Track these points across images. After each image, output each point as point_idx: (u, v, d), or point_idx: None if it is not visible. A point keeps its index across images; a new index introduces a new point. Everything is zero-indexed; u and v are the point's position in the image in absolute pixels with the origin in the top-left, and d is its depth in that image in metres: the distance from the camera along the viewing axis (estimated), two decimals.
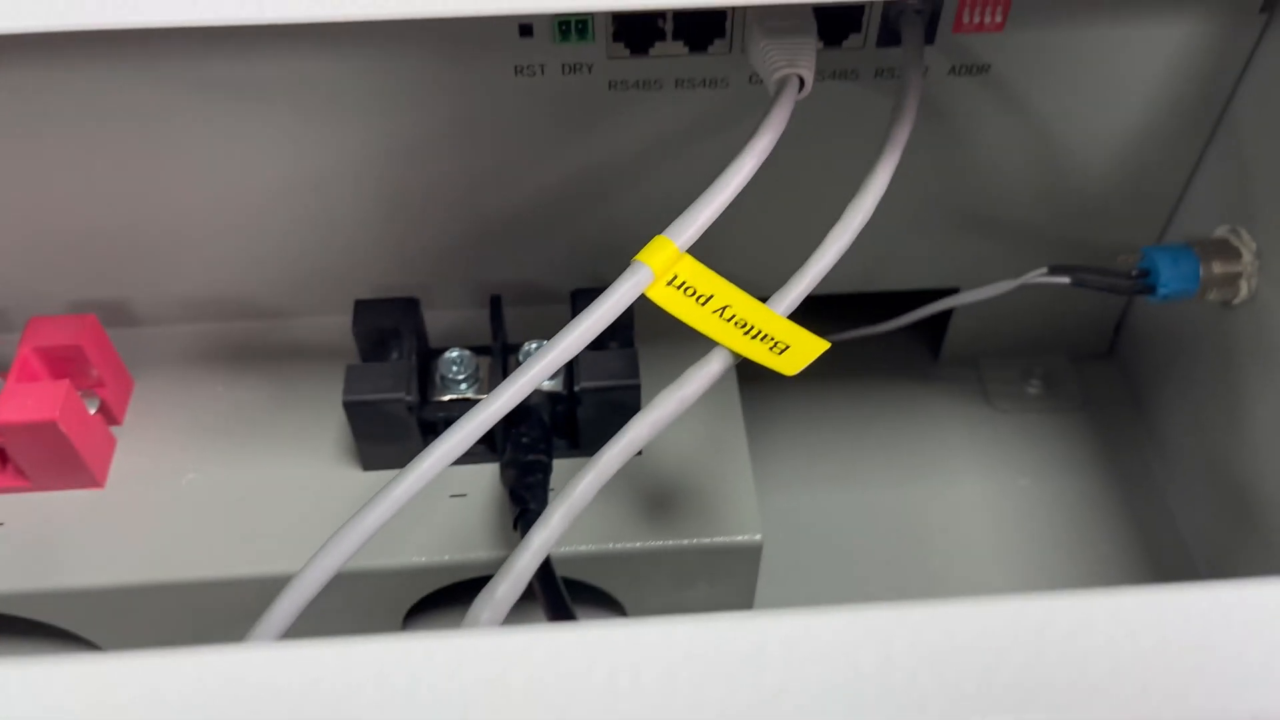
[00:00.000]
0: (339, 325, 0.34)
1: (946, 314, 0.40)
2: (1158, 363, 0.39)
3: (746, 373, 0.39)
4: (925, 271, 0.38)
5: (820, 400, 0.41)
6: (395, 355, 0.33)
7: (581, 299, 0.33)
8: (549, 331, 0.33)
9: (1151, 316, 0.39)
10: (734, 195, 0.25)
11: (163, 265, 0.35)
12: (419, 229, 0.34)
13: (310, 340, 0.36)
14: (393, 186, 0.33)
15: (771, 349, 0.24)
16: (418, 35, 0.29)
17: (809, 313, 0.39)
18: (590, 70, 0.30)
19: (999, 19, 0.30)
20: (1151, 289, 0.32)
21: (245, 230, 0.34)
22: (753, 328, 0.24)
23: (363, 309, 0.33)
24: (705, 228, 0.25)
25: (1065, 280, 0.33)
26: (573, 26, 0.29)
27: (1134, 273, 0.33)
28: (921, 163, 0.34)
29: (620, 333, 0.33)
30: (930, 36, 0.30)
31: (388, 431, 0.32)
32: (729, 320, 0.24)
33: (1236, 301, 0.33)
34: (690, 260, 0.25)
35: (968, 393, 0.41)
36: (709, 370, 0.24)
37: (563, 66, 0.30)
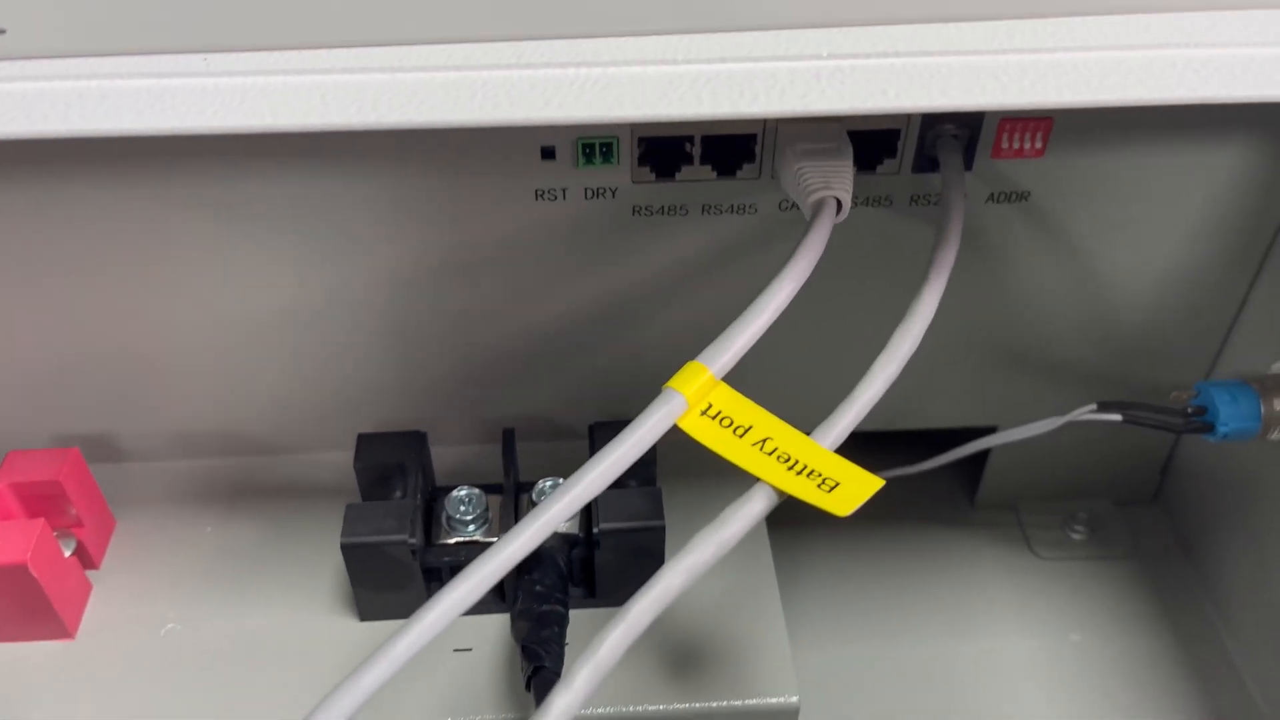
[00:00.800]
0: (340, 462, 0.32)
1: (983, 454, 0.38)
2: (1209, 507, 0.37)
3: (772, 514, 0.36)
4: (964, 409, 0.36)
5: (851, 545, 0.38)
6: (399, 494, 0.30)
7: (601, 433, 0.31)
8: (565, 469, 0.31)
9: (1200, 458, 0.37)
10: (772, 319, 0.24)
11: (153, 397, 0.32)
12: (427, 360, 0.32)
13: (309, 478, 0.34)
14: (400, 315, 0.31)
15: (820, 486, 0.21)
16: (433, 156, 0.28)
17: (843, 449, 0.37)
18: (614, 195, 0.29)
19: (1039, 145, 0.29)
20: (1209, 427, 0.30)
21: (242, 360, 0.32)
22: (797, 462, 0.22)
23: (365, 443, 0.31)
24: (742, 353, 0.23)
25: (1116, 418, 0.31)
26: (597, 149, 0.28)
27: (1189, 410, 0.31)
28: (960, 292, 0.32)
29: (642, 469, 0.30)
30: (968, 163, 0.29)
31: (389, 578, 0.29)
32: (770, 454, 0.22)
33: None
34: (726, 388, 0.23)
35: (1008, 538, 0.39)
36: (751, 510, 0.21)
37: (585, 191, 0.29)
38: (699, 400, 0.22)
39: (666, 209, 0.30)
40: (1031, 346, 0.34)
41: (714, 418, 0.22)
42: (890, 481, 0.36)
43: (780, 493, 0.22)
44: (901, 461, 0.35)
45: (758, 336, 0.23)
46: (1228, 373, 0.34)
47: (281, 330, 0.31)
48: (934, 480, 0.39)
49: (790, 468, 0.22)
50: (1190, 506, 0.38)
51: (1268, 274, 0.32)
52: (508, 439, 0.31)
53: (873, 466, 0.36)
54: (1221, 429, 0.30)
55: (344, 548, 0.28)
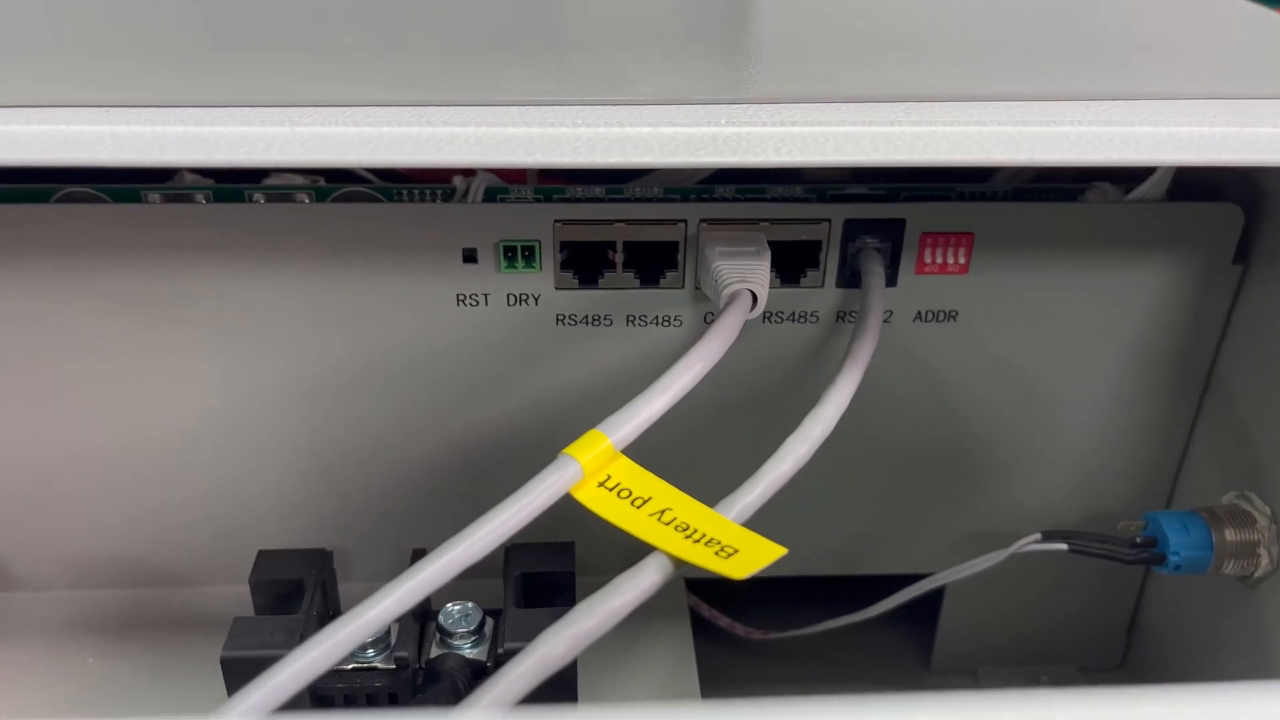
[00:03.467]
0: (242, 596, 0.30)
1: (937, 611, 0.36)
2: (1179, 668, 0.34)
3: (711, 674, 0.34)
4: (911, 554, 0.34)
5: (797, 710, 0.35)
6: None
7: (517, 555, 0.29)
8: (481, 595, 0.29)
9: (1167, 620, 0.35)
10: (677, 397, 0.23)
11: (48, 518, 0.31)
12: (341, 481, 0.31)
13: (208, 611, 0.32)
14: (313, 427, 0.30)
15: (717, 553, 0.20)
16: (353, 257, 0.28)
17: (790, 597, 0.35)
18: (537, 301, 0.29)
19: (962, 260, 0.29)
20: (1160, 558, 0.29)
21: (140, 477, 0.30)
22: (696, 531, 0.20)
23: (264, 559, 0.29)
24: (644, 427, 0.22)
25: (1061, 547, 0.29)
26: (519, 253, 0.28)
27: (1138, 540, 0.29)
28: (893, 422, 0.31)
29: (561, 593, 0.28)
30: (893, 279, 0.29)
31: None
32: (669, 524, 0.20)
33: (1259, 574, 0.29)
34: (626, 461, 0.22)
35: None
36: (643, 579, 0.20)
37: (508, 297, 0.29)
38: (597, 471, 0.21)
39: (590, 319, 0.29)
40: (978, 480, 0.33)
41: (612, 489, 0.21)
42: (842, 640, 0.35)
43: (677, 561, 0.20)
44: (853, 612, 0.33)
45: (661, 412, 0.22)
46: (1183, 507, 0.32)
47: (184, 445, 0.30)
48: (887, 640, 0.37)
49: (688, 536, 0.20)
50: (1159, 670, 0.35)
51: (1210, 401, 0.31)
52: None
53: (819, 617, 0.34)
54: (1173, 559, 0.28)
55: (224, 661, 0.26)
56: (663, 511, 0.21)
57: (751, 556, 0.20)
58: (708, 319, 0.29)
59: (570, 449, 0.21)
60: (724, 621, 0.36)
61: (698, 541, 0.20)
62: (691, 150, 0.21)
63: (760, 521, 0.33)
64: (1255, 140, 0.21)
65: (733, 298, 0.25)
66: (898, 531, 0.34)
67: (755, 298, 0.26)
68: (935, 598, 0.36)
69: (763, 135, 0.21)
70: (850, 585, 0.34)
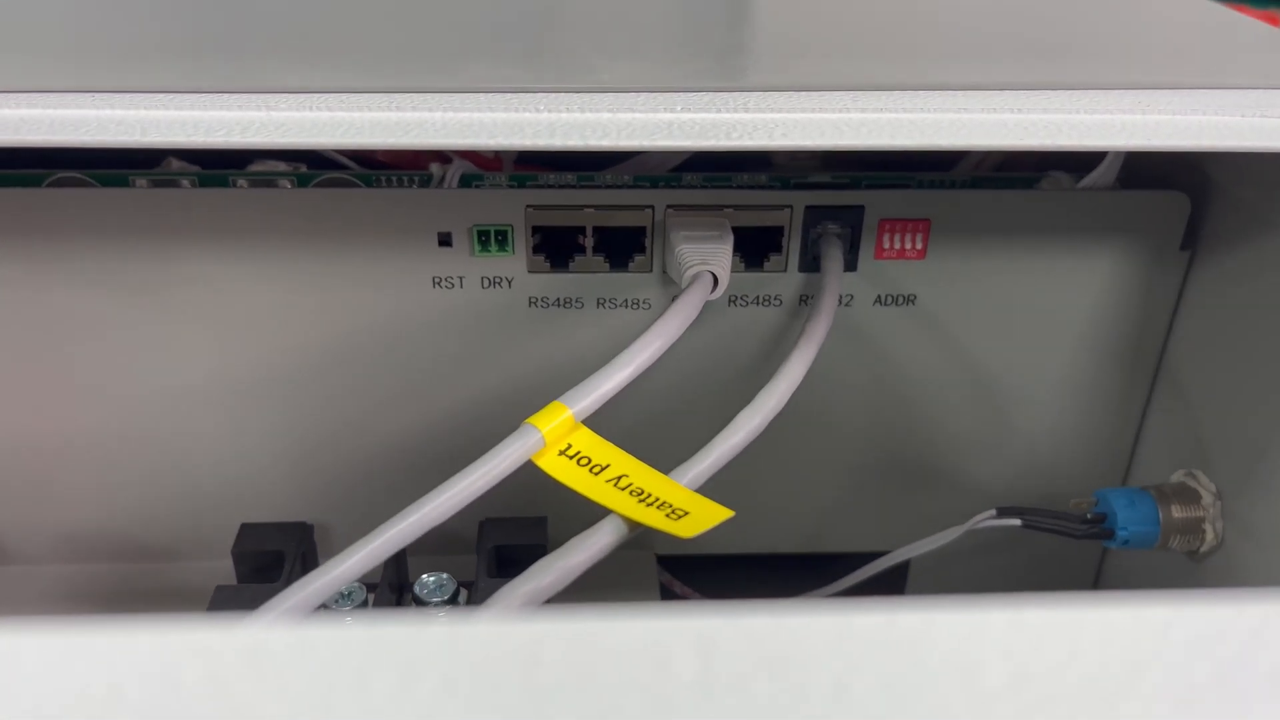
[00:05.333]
0: (228, 570, 0.31)
1: (903, 592, 0.37)
2: None
3: None
4: (874, 533, 0.35)
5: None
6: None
7: (490, 529, 0.30)
8: (455, 568, 0.30)
9: (1127, 589, 0.36)
10: (638, 372, 0.24)
11: (37, 492, 0.32)
12: (322, 458, 0.32)
13: (193, 584, 0.33)
14: (294, 406, 0.31)
15: (668, 515, 0.21)
16: (330, 241, 0.29)
17: (758, 574, 0.36)
18: (510, 285, 0.30)
19: (920, 246, 0.30)
20: (1109, 534, 0.30)
21: (127, 455, 0.31)
22: (649, 495, 0.21)
23: (246, 532, 0.30)
24: (603, 400, 0.23)
25: (1015, 523, 0.30)
26: (492, 237, 0.29)
27: (1089, 516, 0.30)
28: (854, 403, 0.33)
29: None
30: (853, 264, 0.30)
31: None
32: (624, 489, 0.22)
33: (1204, 549, 0.30)
34: (587, 432, 0.23)
35: None
36: (598, 539, 0.21)
37: (482, 280, 0.30)
38: (558, 440, 0.22)
39: (562, 301, 0.30)
40: (937, 461, 0.34)
41: (572, 457, 0.22)
42: None
43: (630, 524, 0.21)
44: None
45: (620, 386, 0.24)
46: (1137, 485, 0.34)
47: (171, 424, 0.31)
48: None
49: (642, 500, 0.21)
50: None
51: (1161, 385, 0.32)
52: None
53: (785, 594, 0.35)
54: (1121, 534, 0.30)
55: None
56: (619, 478, 0.22)
57: (700, 518, 0.21)
58: None
59: (533, 419, 0.22)
60: (694, 598, 0.37)
61: (650, 505, 0.21)
62: (648, 134, 0.22)
63: (728, 500, 0.34)
64: (1187, 127, 0.22)
65: (694, 279, 0.26)
66: (861, 511, 0.35)
67: (716, 279, 0.27)
68: (900, 577, 0.37)
69: (715, 121, 0.22)
70: (816, 563, 0.36)
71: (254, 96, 0.22)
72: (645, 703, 0.12)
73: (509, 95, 0.22)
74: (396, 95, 0.22)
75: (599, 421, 0.32)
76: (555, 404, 0.23)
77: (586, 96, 0.23)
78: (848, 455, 0.33)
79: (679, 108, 0.22)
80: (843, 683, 0.13)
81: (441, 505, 0.21)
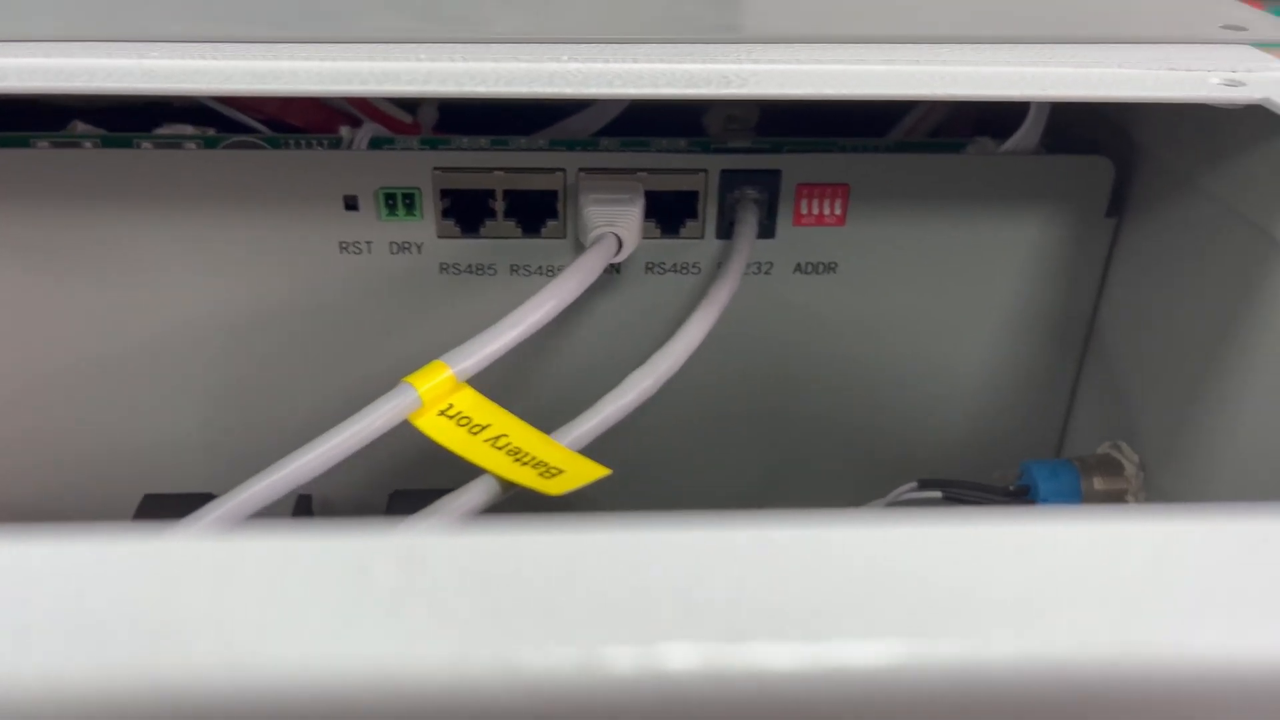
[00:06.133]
0: None
1: None
2: None
3: None
4: (795, 505, 0.34)
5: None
6: None
7: (399, 502, 0.30)
8: None
9: None
10: (528, 333, 0.23)
11: None
12: (229, 426, 0.31)
13: None
14: (200, 374, 0.30)
15: (541, 474, 0.20)
16: (237, 204, 0.28)
17: None
18: (420, 250, 0.29)
19: (839, 212, 0.29)
20: (1031, 505, 0.29)
21: (29, 421, 0.31)
22: (525, 454, 0.21)
23: (148, 504, 0.29)
24: (489, 360, 0.23)
25: (936, 495, 0.29)
26: (399, 201, 0.29)
27: (1012, 488, 0.30)
28: (779, 373, 0.32)
29: None
30: (771, 230, 0.29)
31: None
32: (502, 449, 0.21)
33: None
34: (471, 392, 0.22)
35: None
36: (467, 498, 0.20)
37: (391, 245, 0.29)
38: (438, 400, 0.22)
39: (474, 267, 0.30)
40: (865, 431, 0.33)
41: (452, 418, 0.21)
42: None
43: (503, 484, 0.20)
44: None
45: (508, 346, 0.23)
46: (1071, 456, 0.33)
47: (73, 390, 0.30)
48: None
49: (517, 459, 0.21)
50: None
51: (1092, 353, 0.32)
52: (302, 506, 0.30)
53: None
54: (1042, 506, 0.29)
55: None
56: (498, 438, 0.21)
57: (573, 476, 0.20)
58: None
59: (410, 377, 0.22)
60: None
61: (525, 464, 0.20)
62: (528, 82, 0.21)
63: (655, 473, 0.33)
64: (1088, 79, 0.22)
65: (596, 240, 0.26)
66: (788, 482, 0.34)
67: (620, 242, 0.26)
68: None
69: (598, 71, 0.21)
70: None
71: (127, 45, 0.22)
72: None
73: (391, 45, 0.22)
74: (274, 45, 0.22)
75: (517, 392, 0.32)
76: (435, 363, 0.22)
77: (473, 47, 0.22)
78: (771, 426, 0.33)
79: (565, 57, 0.22)
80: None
81: (300, 469, 0.20)
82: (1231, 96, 0.21)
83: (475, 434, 0.21)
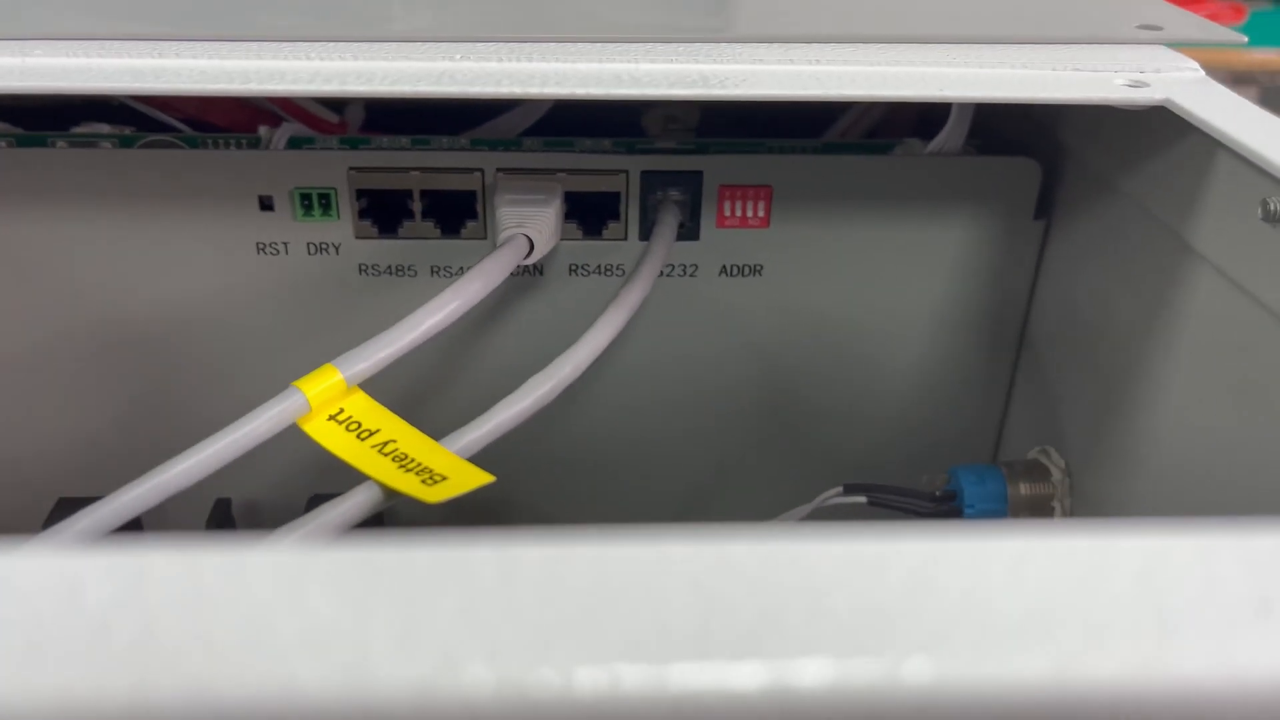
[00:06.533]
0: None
1: None
2: None
3: None
4: (724, 511, 0.34)
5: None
6: None
7: (318, 504, 0.29)
8: None
9: None
10: (424, 337, 0.23)
11: None
12: (143, 429, 0.31)
13: None
14: (116, 375, 0.30)
15: (424, 480, 0.20)
16: (153, 203, 0.28)
17: None
18: (338, 251, 0.29)
19: (762, 214, 0.29)
20: (958, 512, 0.29)
21: None
22: (412, 460, 0.20)
23: (63, 507, 0.29)
24: (382, 365, 0.22)
25: (861, 499, 0.29)
26: (315, 201, 0.28)
27: (938, 493, 0.29)
28: (707, 378, 0.31)
29: None
30: (695, 232, 0.29)
31: None
32: (388, 455, 0.21)
33: None
34: (363, 397, 0.22)
35: None
36: (346, 507, 0.20)
37: (308, 246, 0.29)
38: (327, 404, 0.21)
39: (394, 269, 0.29)
40: (798, 436, 0.33)
41: (342, 422, 0.21)
42: None
43: (386, 491, 0.20)
44: None
45: (405, 350, 0.22)
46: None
47: None
48: None
49: (401, 465, 0.20)
50: None
51: (1025, 358, 0.31)
52: (220, 510, 0.29)
53: None
54: (968, 512, 0.29)
55: None
56: (386, 444, 0.21)
57: (456, 483, 0.20)
58: (516, 272, 0.29)
59: (300, 381, 0.21)
60: None
61: (409, 470, 0.20)
62: (412, 81, 0.21)
63: (586, 482, 0.33)
64: (987, 80, 0.22)
65: (506, 240, 0.25)
66: (714, 489, 0.34)
67: (532, 243, 0.26)
68: None
69: (489, 70, 0.21)
70: None
71: (12, 43, 0.21)
72: None
73: (278, 43, 0.21)
74: (159, 42, 0.21)
75: (434, 396, 0.31)
76: (326, 366, 0.22)
77: (365, 46, 0.22)
78: (696, 430, 0.32)
79: (457, 56, 0.21)
80: None
81: (182, 474, 0.20)
82: (1133, 97, 0.21)
83: (363, 439, 0.21)
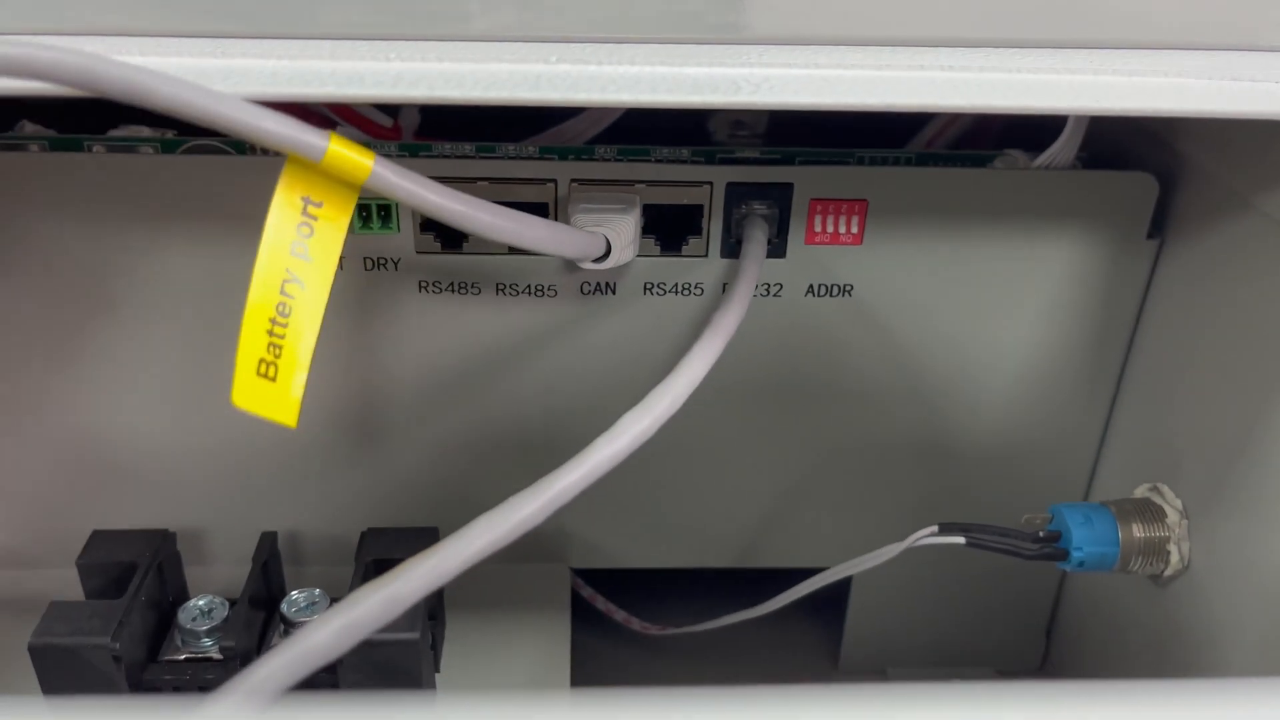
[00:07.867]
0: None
1: (844, 609, 0.34)
2: (1094, 673, 0.32)
3: (601, 672, 0.32)
4: (814, 547, 0.32)
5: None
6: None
7: (372, 540, 0.27)
8: (330, 583, 0.27)
9: (1084, 616, 0.33)
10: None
11: None
12: (196, 459, 0.29)
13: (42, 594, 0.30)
14: (160, 397, 0.28)
15: (260, 368, 0.18)
16: (197, 210, 0.26)
17: (690, 590, 0.33)
18: (397, 266, 0.27)
19: (855, 230, 0.27)
20: (1063, 554, 0.27)
21: None
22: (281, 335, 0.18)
23: (97, 540, 0.27)
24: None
25: (959, 540, 0.27)
26: (374, 212, 0.26)
27: (1041, 534, 0.27)
28: (790, 404, 0.29)
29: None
30: (782, 249, 0.27)
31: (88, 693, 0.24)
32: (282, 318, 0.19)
33: (1168, 573, 0.27)
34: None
35: None
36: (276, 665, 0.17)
37: (365, 260, 0.27)
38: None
39: (456, 286, 0.27)
40: (883, 469, 0.31)
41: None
42: (748, 639, 0.33)
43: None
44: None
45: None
46: (1101, 499, 0.30)
47: (15, 409, 0.28)
48: (793, 637, 0.35)
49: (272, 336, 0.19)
50: (1079, 676, 0.33)
51: (1127, 390, 0.29)
52: (265, 544, 0.27)
53: (720, 612, 0.32)
54: (1075, 555, 0.26)
55: (32, 650, 0.24)
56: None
57: (269, 398, 0.18)
58: (584, 289, 0.27)
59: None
60: (620, 615, 0.34)
61: (271, 338, 0.18)
62: (509, 88, 0.18)
63: (647, 511, 0.31)
64: (1144, 89, 0.19)
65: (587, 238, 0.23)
66: (800, 522, 0.32)
67: (609, 245, 0.23)
68: (842, 594, 0.34)
69: (589, 74, 0.19)
70: (754, 579, 0.32)
71: (53, 39, 0.19)
72: None
73: (355, 43, 0.19)
74: (222, 40, 0.19)
75: (501, 422, 0.29)
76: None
77: (453, 45, 0.20)
78: (783, 462, 0.30)
79: (553, 59, 0.19)
80: None
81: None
82: None
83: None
